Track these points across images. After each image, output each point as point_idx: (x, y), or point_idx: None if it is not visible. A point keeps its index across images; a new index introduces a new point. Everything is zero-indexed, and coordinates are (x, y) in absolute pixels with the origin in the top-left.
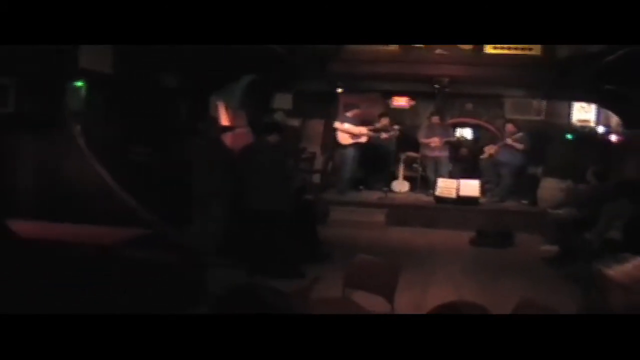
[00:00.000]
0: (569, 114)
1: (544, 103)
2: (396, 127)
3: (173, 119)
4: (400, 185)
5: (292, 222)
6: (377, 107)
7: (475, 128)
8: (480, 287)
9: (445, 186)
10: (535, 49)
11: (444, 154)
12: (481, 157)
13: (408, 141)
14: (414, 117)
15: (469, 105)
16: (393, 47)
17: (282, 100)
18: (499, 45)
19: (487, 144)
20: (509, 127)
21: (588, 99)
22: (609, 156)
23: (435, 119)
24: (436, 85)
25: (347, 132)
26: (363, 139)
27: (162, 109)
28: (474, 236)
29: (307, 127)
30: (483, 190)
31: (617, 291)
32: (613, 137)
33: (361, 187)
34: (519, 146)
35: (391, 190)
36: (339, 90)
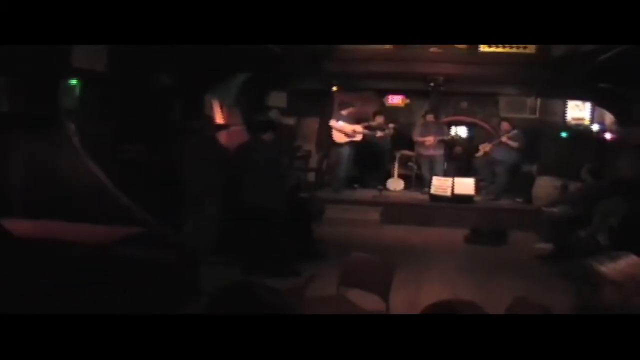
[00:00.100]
0: (563, 112)
1: (538, 101)
2: (391, 125)
3: (167, 117)
4: (395, 184)
5: (287, 220)
6: (372, 106)
7: (470, 126)
8: (474, 285)
9: (440, 184)
10: (530, 48)
11: (439, 152)
12: (476, 155)
13: (403, 139)
14: (408, 116)
15: (464, 104)
16: (388, 46)
17: (277, 99)
18: (493, 44)
19: (482, 142)
20: (504, 125)
21: (582, 97)
22: (603, 154)
23: (430, 118)
24: (431, 84)
25: (342, 130)
26: (358, 137)
27: (157, 108)
28: (469, 234)
29: (302, 125)
30: (478, 188)
31: (610, 288)
32: (607, 135)
33: (356, 185)
34: (514, 144)
35: (386, 189)
36: (334, 88)
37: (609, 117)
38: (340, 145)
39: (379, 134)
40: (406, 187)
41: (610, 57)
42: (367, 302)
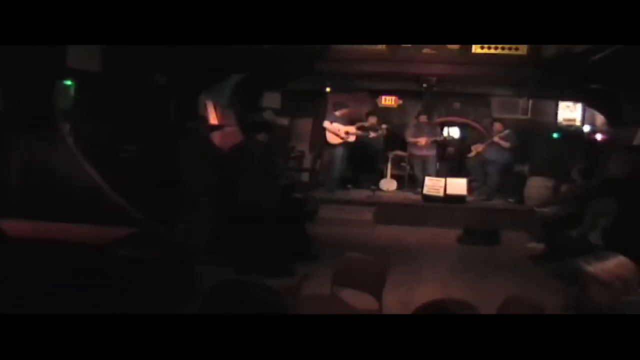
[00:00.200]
0: (555, 113)
1: (530, 102)
2: (384, 126)
3: (162, 118)
4: (388, 184)
5: (281, 220)
6: (365, 106)
7: (462, 127)
8: (467, 285)
9: (433, 185)
10: (522, 49)
11: (432, 152)
12: (468, 155)
13: (396, 140)
14: (401, 116)
15: (457, 104)
16: (381, 47)
17: (271, 99)
18: (485, 45)
19: (474, 143)
20: (496, 125)
21: (574, 98)
22: (594, 155)
23: (423, 118)
24: (424, 85)
25: (336, 131)
26: (351, 138)
27: (151, 108)
28: (461, 234)
29: (295, 126)
30: (470, 188)
31: (598, 288)
32: (598, 136)
33: (349, 185)
34: (506, 145)
35: (379, 189)
36: (328, 89)
37: (599, 118)
38: (334, 145)
39: (372, 134)
40: (399, 187)
41: (601, 58)
42: (360, 301)
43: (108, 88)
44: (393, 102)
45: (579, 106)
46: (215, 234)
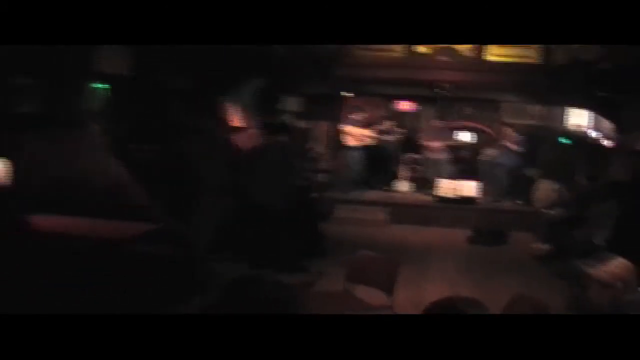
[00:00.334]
0: (563, 119)
1: (539, 108)
2: (399, 129)
3: (183, 119)
4: (402, 185)
5: (296, 219)
6: (381, 111)
7: (473, 131)
8: (475, 284)
9: (445, 186)
10: (532, 56)
11: (444, 155)
12: (479, 158)
13: (410, 143)
14: (416, 121)
15: (468, 110)
16: (396, 53)
17: (290, 103)
18: (496, 53)
19: (485, 147)
20: (506, 130)
21: (582, 105)
22: (600, 159)
23: (436, 122)
24: (437, 90)
25: (352, 134)
26: (367, 141)
27: (174, 109)
28: (471, 234)
29: (313, 128)
30: (480, 190)
31: (599, 288)
32: (605, 142)
33: (364, 186)
34: (515, 148)
35: (393, 190)
36: (345, 93)
37: (606, 124)
38: (350, 148)
39: (387, 137)
40: (412, 188)
41: (609, 65)
42: (372, 298)
43: (133, 90)
44: (408, 107)
45: (586, 112)
46: (232, 231)
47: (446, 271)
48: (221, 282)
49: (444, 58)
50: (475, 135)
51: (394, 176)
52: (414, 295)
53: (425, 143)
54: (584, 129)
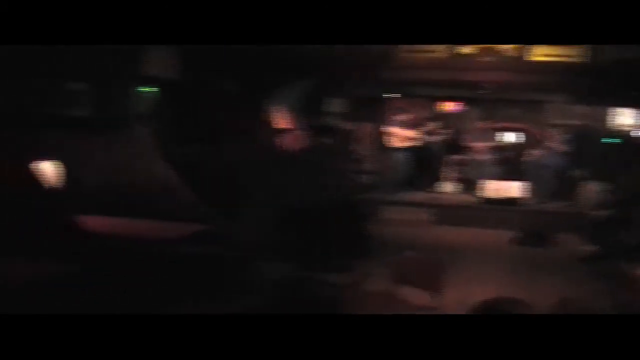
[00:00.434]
0: (608, 119)
1: (584, 108)
2: (443, 130)
3: (229, 121)
4: (446, 186)
5: (342, 220)
6: (425, 112)
7: (518, 132)
8: (521, 285)
9: (490, 187)
10: (577, 56)
11: (489, 156)
12: (523, 159)
13: (454, 144)
14: (460, 122)
15: (513, 110)
16: (440, 54)
17: (335, 104)
18: (541, 53)
19: (530, 148)
20: (551, 131)
21: (627, 104)
22: None
23: (481, 123)
24: (481, 91)
25: (397, 135)
26: (411, 142)
27: (220, 111)
28: (516, 235)
29: (358, 130)
30: (525, 191)
31: None
32: None
33: (409, 187)
34: (560, 149)
35: (437, 191)
36: (389, 95)
37: None
38: (394, 149)
39: (431, 139)
40: (456, 189)
41: None
42: (417, 299)
43: (181, 93)
44: (452, 108)
45: (631, 112)
46: (278, 232)
47: (491, 272)
48: (268, 283)
49: (488, 58)
50: (519, 136)
51: (439, 177)
52: (459, 296)
53: (470, 144)
54: (630, 129)
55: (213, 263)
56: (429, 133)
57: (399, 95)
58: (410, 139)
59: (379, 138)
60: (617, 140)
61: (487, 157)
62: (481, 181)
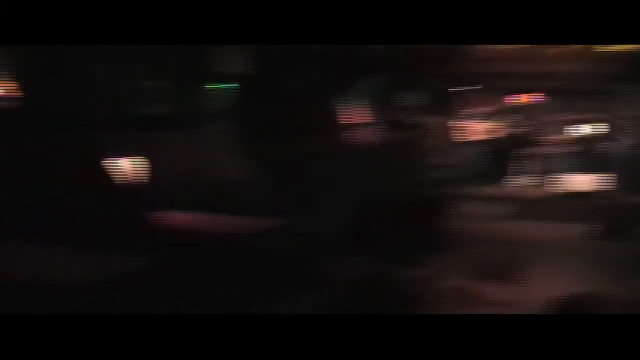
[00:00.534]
0: None
1: None
2: (518, 123)
3: (304, 116)
4: (522, 180)
5: (417, 215)
6: (500, 105)
7: (595, 123)
8: (600, 280)
9: (567, 180)
10: None
11: (564, 149)
12: (600, 151)
13: (530, 137)
14: (535, 114)
15: (588, 102)
16: (514, 46)
17: (410, 99)
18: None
19: (606, 139)
20: (628, 122)
21: None
22: None
23: (557, 116)
24: (557, 82)
25: (471, 128)
26: (486, 136)
27: (294, 107)
28: (596, 229)
29: (432, 124)
30: (602, 184)
31: None
32: None
33: (484, 181)
34: (638, 140)
35: (513, 185)
36: (464, 88)
37: None
38: (469, 143)
39: (506, 132)
40: (532, 183)
41: None
42: (493, 294)
43: (256, 89)
44: (527, 100)
45: None
46: (353, 227)
47: (568, 267)
48: (345, 278)
49: (562, 49)
50: (596, 127)
51: (514, 171)
52: (536, 292)
53: (545, 136)
54: None
55: (288, 259)
56: (504, 126)
57: (472, 88)
58: (484, 132)
59: (453, 132)
60: None
61: (562, 149)
62: (557, 174)
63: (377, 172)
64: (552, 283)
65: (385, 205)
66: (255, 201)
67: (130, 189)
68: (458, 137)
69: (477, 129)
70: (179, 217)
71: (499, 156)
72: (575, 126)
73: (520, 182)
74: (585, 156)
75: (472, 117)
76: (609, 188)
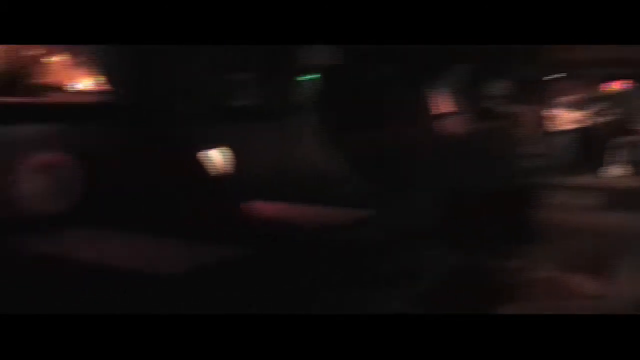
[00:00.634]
0: None
1: None
2: (611, 111)
3: (391, 106)
4: (615, 170)
5: (506, 205)
6: (591, 92)
7: None
8: None
9: None
10: None
11: None
12: None
13: (623, 125)
14: (628, 101)
15: None
16: None
17: (498, 87)
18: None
19: None
20: None
21: None
22: None
23: None
24: None
25: (562, 117)
26: (578, 124)
27: (381, 97)
28: None
29: (522, 113)
30: None
31: None
32: None
33: (575, 170)
34: None
35: (606, 175)
36: (555, 76)
37: None
38: (560, 132)
39: (598, 120)
40: (626, 173)
41: None
42: (585, 286)
43: (342, 80)
44: (620, 87)
45: None
46: (442, 218)
47: None
48: (436, 270)
49: None
50: None
51: (607, 160)
52: (629, 284)
53: (638, 125)
54: None
55: (374, 249)
56: (596, 114)
57: (564, 76)
58: (576, 121)
59: (543, 121)
60: None
61: None
62: None
63: (467, 162)
64: None
65: (476, 195)
66: (343, 192)
67: (221, 180)
68: (549, 126)
69: (567, 117)
70: (268, 207)
71: (590, 145)
72: None
73: (612, 172)
74: None
75: (563, 105)
76: None
